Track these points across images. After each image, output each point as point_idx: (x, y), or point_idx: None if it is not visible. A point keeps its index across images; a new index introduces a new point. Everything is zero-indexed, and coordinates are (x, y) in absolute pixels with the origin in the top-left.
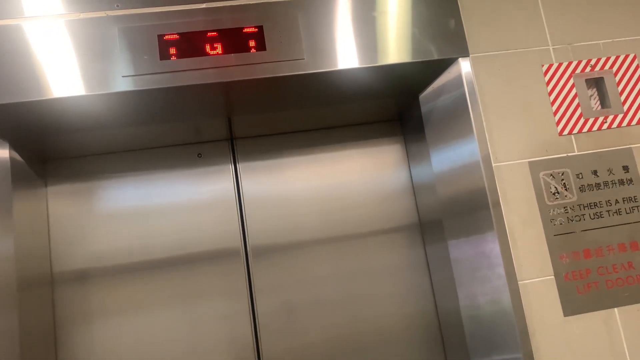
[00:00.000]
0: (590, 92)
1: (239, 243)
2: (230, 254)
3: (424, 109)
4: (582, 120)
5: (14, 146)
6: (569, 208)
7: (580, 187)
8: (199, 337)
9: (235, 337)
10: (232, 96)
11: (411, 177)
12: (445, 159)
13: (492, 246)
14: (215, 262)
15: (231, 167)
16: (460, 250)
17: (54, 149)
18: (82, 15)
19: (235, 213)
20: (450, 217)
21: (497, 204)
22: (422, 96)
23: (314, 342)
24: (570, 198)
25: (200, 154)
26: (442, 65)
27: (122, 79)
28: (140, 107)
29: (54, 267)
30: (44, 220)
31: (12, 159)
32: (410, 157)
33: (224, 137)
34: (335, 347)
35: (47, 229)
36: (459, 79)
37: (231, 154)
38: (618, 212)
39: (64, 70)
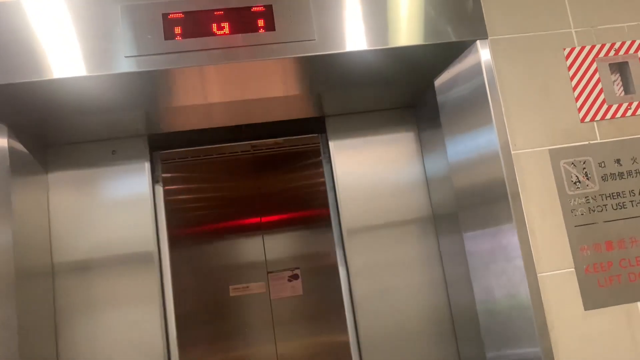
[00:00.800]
0: (613, 77)
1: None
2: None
3: (439, 94)
4: (605, 107)
5: (13, 130)
6: (590, 198)
7: (602, 176)
8: (109, 343)
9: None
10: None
11: (424, 166)
12: (462, 147)
13: (510, 238)
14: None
15: (147, 165)
16: (476, 242)
17: (55, 134)
18: None
19: (150, 215)
20: (466, 208)
21: (515, 194)
22: (437, 81)
23: None
24: (592, 187)
25: (114, 150)
26: (459, 48)
27: (125, 60)
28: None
29: (55, 258)
30: (45, 209)
31: (10, 144)
32: (423, 146)
33: (141, 133)
34: None
35: (47, 218)
36: (476, 63)
37: (148, 150)
38: None
39: (65, 49)
